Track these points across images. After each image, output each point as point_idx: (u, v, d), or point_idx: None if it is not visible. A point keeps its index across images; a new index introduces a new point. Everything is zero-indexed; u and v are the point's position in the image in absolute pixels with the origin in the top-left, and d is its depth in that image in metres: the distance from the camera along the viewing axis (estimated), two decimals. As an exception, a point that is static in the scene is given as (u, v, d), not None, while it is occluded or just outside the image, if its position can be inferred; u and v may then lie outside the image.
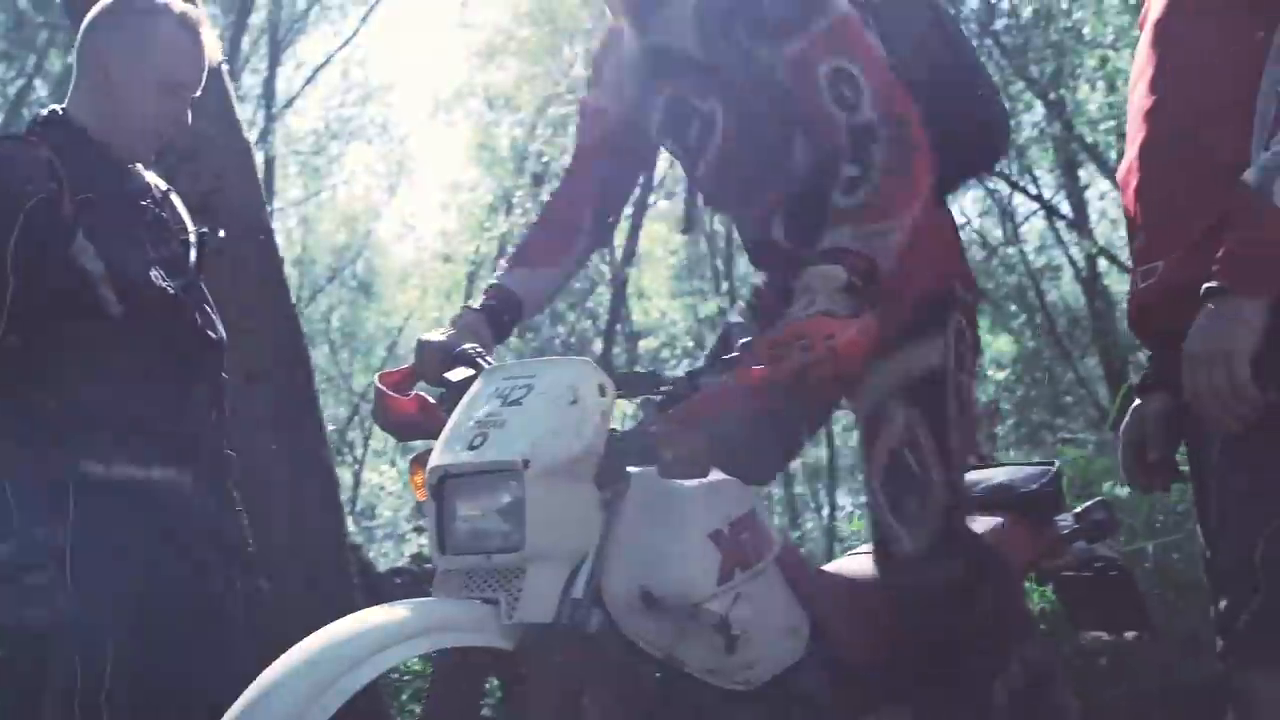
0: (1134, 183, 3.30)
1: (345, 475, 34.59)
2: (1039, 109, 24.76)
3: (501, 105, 30.25)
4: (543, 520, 3.19)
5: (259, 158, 29.80)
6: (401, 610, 3.20)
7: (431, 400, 3.88)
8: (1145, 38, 3.37)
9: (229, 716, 2.95)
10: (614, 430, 3.44)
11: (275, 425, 7.27)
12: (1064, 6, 22.53)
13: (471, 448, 3.28)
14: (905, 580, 3.78)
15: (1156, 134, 3.24)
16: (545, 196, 30.07)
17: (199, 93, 4.50)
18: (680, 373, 3.55)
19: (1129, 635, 4.78)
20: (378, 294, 44.87)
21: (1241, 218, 2.88)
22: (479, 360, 3.80)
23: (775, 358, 3.18)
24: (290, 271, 36.70)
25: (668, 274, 35.09)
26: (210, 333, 4.45)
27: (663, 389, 3.52)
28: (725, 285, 32.00)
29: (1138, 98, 3.34)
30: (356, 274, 43.72)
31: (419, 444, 3.76)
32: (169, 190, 4.61)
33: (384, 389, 3.90)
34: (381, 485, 36.10)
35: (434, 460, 3.35)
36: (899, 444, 3.76)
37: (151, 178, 4.55)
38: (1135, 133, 3.32)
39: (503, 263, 4.41)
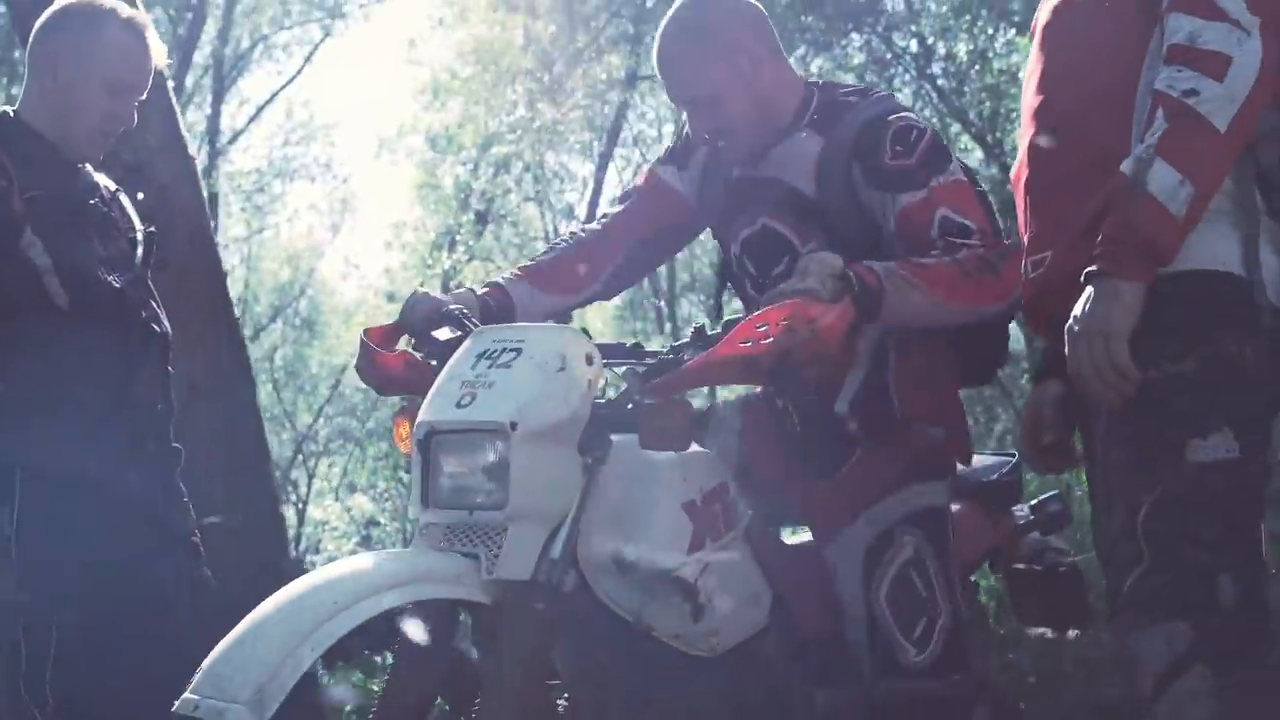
0: (1024, 176, 3.50)
1: (290, 514, 34.44)
2: (977, 152, 25.05)
3: (444, 145, 30.28)
4: (526, 481, 3.35)
5: (203, 184, 30.17)
6: (384, 559, 3.36)
7: (418, 357, 4.02)
8: (1035, 40, 3.58)
9: (213, 657, 3.06)
10: (599, 399, 3.60)
11: (218, 440, 7.37)
12: (999, 49, 22.81)
13: (460, 406, 3.44)
14: (908, 690, 3.99)
15: (1043, 130, 3.43)
16: (489, 235, 30.63)
17: (145, 95, 4.65)
18: (664, 345, 3.73)
19: (1071, 633, 4.92)
20: (321, 332, 44.69)
21: (1118, 205, 3.07)
22: (467, 322, 3.95)
23: (759, 335, 3.36)
24: (234, 309, 36.69)
25: (611, 312, 35.20)
26: (155, 326, 4.57)
27: (647, 361, 3.72)
28: (668, 326, 32.16)
29: (1028, 98, 3.54)
30: (300, 312, 43.59)
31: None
32: (118, 190, 4.75)
33: (369, 343, 4.06)
34: (325, 521, 35.92)
35: (422, 415, 3.51)
36: (907, 565, 4.00)
37: (101, 178, 4.69)
38: (1025, 130, 3.51)
39: (514, 270, 4.52)
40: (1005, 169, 23.68)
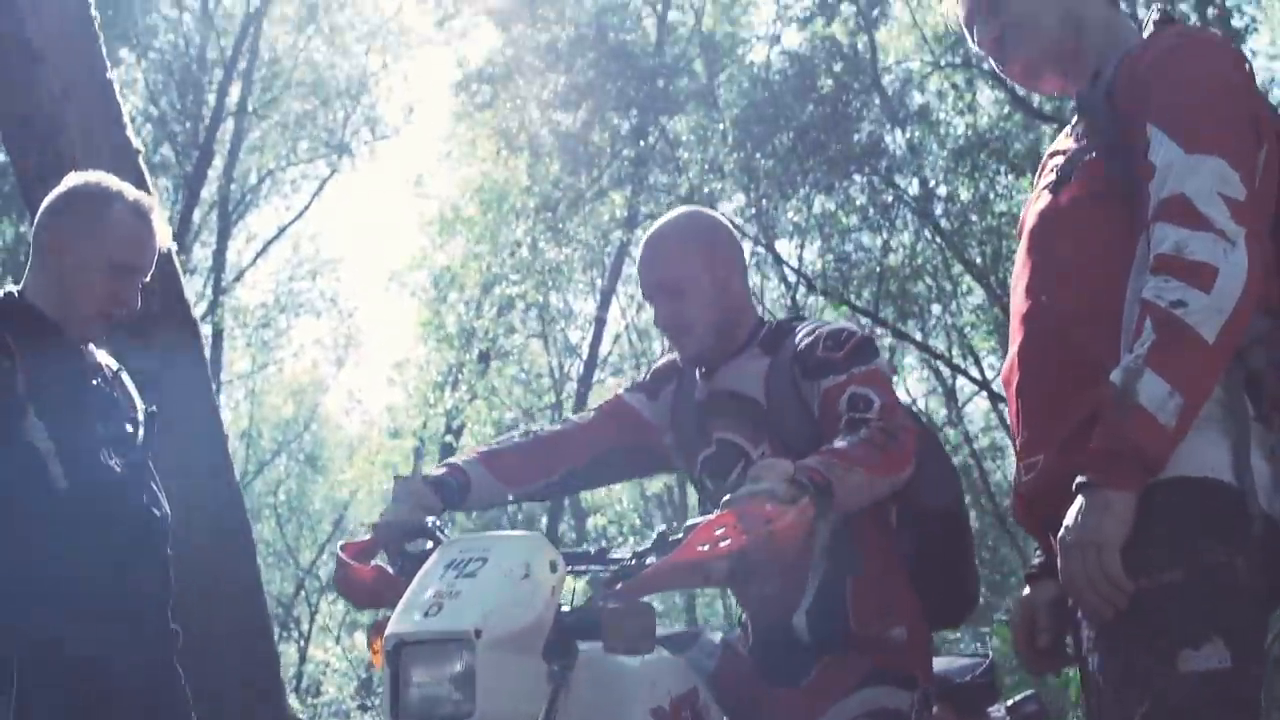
0: (1015, 381, 3.54)
1: (290, 651, 34.25)
2: (979, 292, 25.20)
3: (448, 283, 30.47)
4: (492, 689, 3.33)
5: (206, 330, 30.36)
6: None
7: (390, 571, 4.09)
8: (1022, 245, 3.64)
9: None
10: (563, 606, 3.62)
11: (217, 600, 7.36)
12: (1001, 191, 23.02)
13: (426, 616, 3.43)
14: None
15: (1032, 336, 3.49)
16: (492, 375, 30.71)
17: (148, 277, 4.69)
18: (627, 551, 3.76)
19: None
20: (324, 467, 44.68)
21: (1108, 415, 3.10)
22: (438, 534, 4.06)
23: (716, 539, 3.38)
24: (237, 445, 36.65)
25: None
26: (155, 510, 4.59)
27: (612, 566, 3.75)
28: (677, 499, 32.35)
29: (1016, 301, 3.59)
30: (303, 447, 43.60)
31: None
32: (119, 370, 4.77)
33: (345, 559, 4.13)
34: (327, 663, 35.68)
35: (390, 627, 3.50)
36: None
37: (103, 357, 4.72)
38: (1015, 334, 3.57)
39: (473, 451, 4.63)
40: (1007, 310, 23.81)
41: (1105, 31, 3.59)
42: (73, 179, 4.71)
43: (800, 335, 4.20)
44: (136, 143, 7.68)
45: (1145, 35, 3.54)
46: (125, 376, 4.78)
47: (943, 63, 22.16)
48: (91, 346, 4.67)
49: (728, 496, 3.55)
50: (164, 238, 4.74)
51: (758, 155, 22.64)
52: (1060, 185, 3.52)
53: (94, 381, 4.57)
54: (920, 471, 3.98)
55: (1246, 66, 3.42)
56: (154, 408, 4.78)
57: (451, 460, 4.56)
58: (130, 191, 4.65)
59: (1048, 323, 3.45)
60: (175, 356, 7.25)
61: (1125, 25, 3.66)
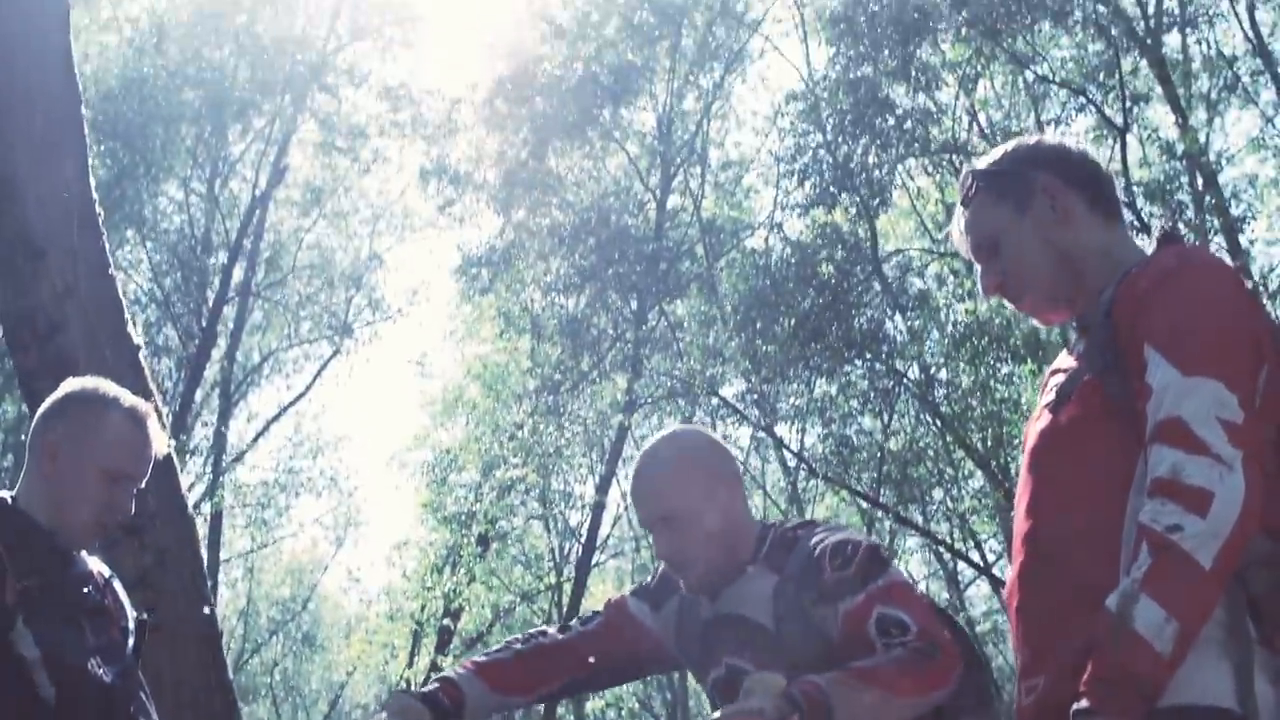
0: (1015, 601, 3.52)
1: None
2: (979, 477, 25.20)
3: (448, 465, 30.51)
4: None
5: (206, 507, 30.33)
6: None
7: None
8: (1024, 464, 3.63)
9: None
10: None
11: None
12: (1001, 378, 23.11)
13: None
14: None
15: (1033, 556, 3.47)
16: (491, 558, 30.60)
17: (144, 483, 4.68)
18: None
19: None
20: (322, 647, 44.41)
21: (1105, 642, 3.06)
22: None
23: None
24: (235, 623, 36.42)
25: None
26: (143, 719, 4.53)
27: None
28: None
29: (1017, 521, 3.58)
30: (301, 626, 43.37)
31: None
32: (111, 577, 4.73)
33: None
34: None
35: None
36: None
37: (95, 564, 4.67)
38: (1016, 553, 3.55)
39: (469, 663, 4.57)
40: (1009, 495, 23.85)
41: (1104, 257, 3.61)
42: (70, 385, 4.71)
43: (804, 551, 4.12)
44: (137, 338, 7.71)
45: (1150, 251, 3.57)
46: (117, 584, 4.74)
47: (942, 249, 22.37)
48: (84, 553, 4.63)
49: (716, 714, 3.52)
50: (160, 444, 4.72)
51: (758, 341, 22.77)
52: (1060, 405, 3.52)
53: (85, 590, 4.52)
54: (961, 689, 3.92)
55: (1246, 286, 3.44)
56: (145, 614, 4.74)
57: (446, 674, 4.50)
58: (127, 398, 4.65)
59: (1048, 543, 3.44)
60: (170, 555, 7.21)
61: (1125, 245, 3.68)
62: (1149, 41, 22.17)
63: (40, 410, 4.68)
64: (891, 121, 20.60)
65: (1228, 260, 3.84)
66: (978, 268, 3.81)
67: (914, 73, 20.61)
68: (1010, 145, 3.82)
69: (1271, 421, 3.25)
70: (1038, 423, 3.62)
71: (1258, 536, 3.13)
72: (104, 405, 4.60)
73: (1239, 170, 27.96)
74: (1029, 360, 21.27)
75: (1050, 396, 3.59)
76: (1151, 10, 23.28)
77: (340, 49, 33.07)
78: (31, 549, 4.38)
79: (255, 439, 34.94)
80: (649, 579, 4.72)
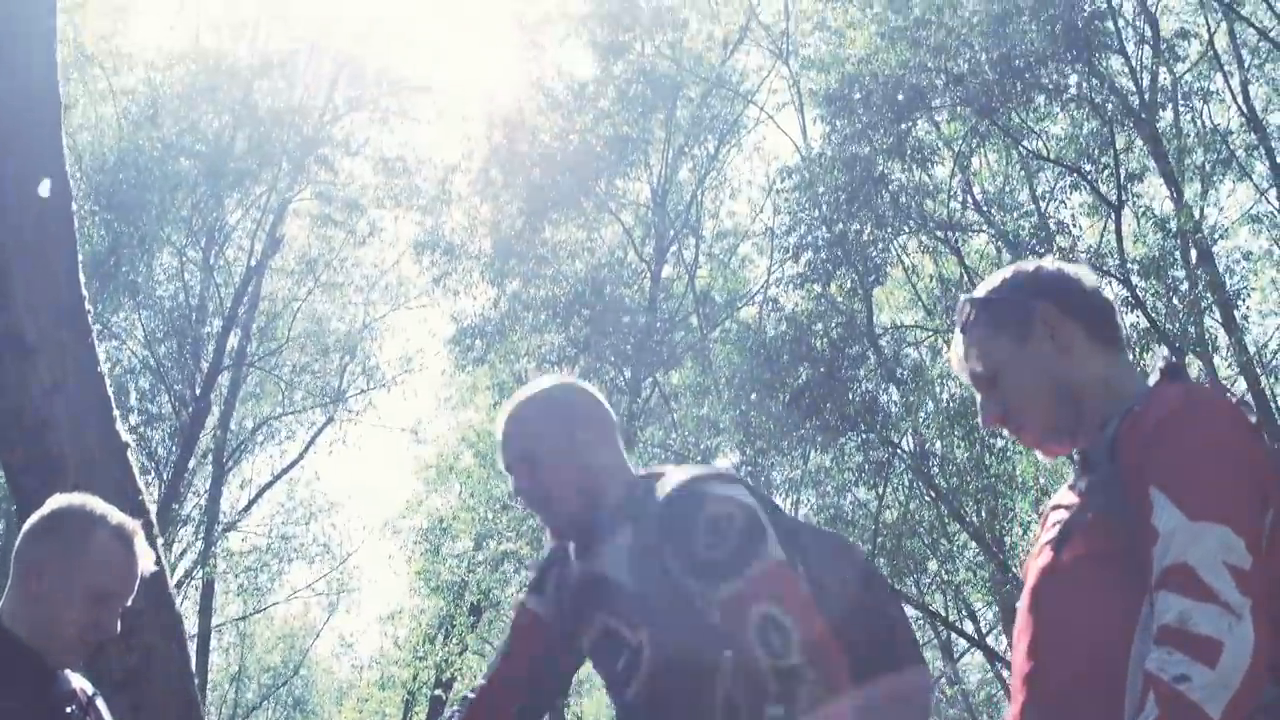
0: (1015, 746, 3.45)
1: None
2: (973, 548, 25.15)
3: (441, 533, 30.46)
4: None
5: (198, 576, 30.23)
6: None
7: None
8: (1024, 601, 3.57)
9: None
10: None
11: None
12: (996, 452, 23.09)
13: None
14: None
15: (1033, 698, 3.40)
16: (484, 628, 30.48)
17: (129, 601, 4.61)
18: None
19: None
20: (313, 713, 44.24)
21: (1113, 790, 3.01)
22: None
23: None
24: (226, 689, 36.21)
25: None
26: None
27: None
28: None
29: (1018, 660, 3.51)
30: (292, 691, 43.21)
31: None
32: (94, 695, 4.66)
33: None
34: None
35: None
36: None
37: (78, 680, 4.61)
38: (1016, 693, 3.48)
39: None
40: (1003, 568, 23.81)
41: (1105, 388, 3.56)
42: (57, 502, 4.65)
43: (665, 503, 3.99)
44: (126, 436, 7.65)
45: (1151, 382, 3.52)
46: (100, 702, 4.68)
47: (936, 325, 22.39)
48: (67, 671, 4.57)
49: None
50: (147, 562, 4.66)
51: (753, 414, 22.74)
52: (1063, 543, 3.45)
53: (68, 710, 4.46)
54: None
55: (1252, 424, 3.39)
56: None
57: None
58: (114, 516, 4.59)
59: (1048, 685, 3.37)
60: (157, 653, 7.13)
61: (1126, 375, 3.63)
62: (1143, 116, 22.25)
63: (26, 527, 4.63)
64: (887, 198, 20.63)
65: (1233, 396, 3.73)
66: (978, 396, 3.75)
67: (908, 150, 20.64)
68: (1009, 272, 3.77)
69: (1275, 565, 3.20)
70: (1038, 559, 3.56)
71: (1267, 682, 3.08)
72: (91, 524, 4.54)
73: (1233, 242, 28.21)
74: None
75: (1052, 533, 3.53)
76: (1146, 85, 23.41)
77: (337, 119, 33.25)
78: (14, 668, 4.33)
79: (248, 506, 34.90)
80: (534, 574, 4.63)
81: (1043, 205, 22.92)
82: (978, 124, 20.57)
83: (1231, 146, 24.70)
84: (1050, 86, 20.50)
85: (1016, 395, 3.62)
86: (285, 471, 35.04)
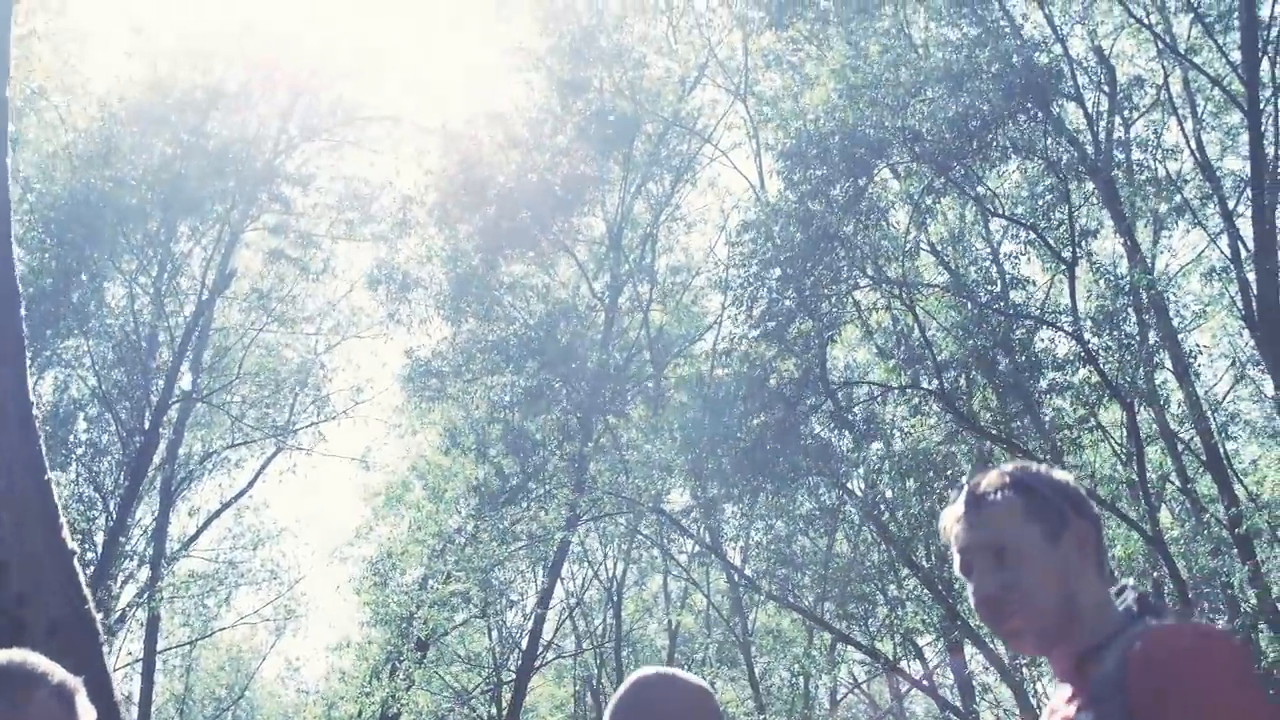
0: None
1: None
2: (923, 592, 25.22)
3: (389, 567, 30.26)
4: None
5: (145, 603, 29.98)
6: None
7: None
8: None
9: None
10: None
11: None
12: (950, 499, 23.11)
13: None
14: None
15: None
16: (429, 665, 30.28)
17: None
18: None
19: None
20: (258, 738, 44.10)
21: None
22: None
23: None
24: (171, 714, 35.92)
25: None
26: None
27: None
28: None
29: None
30: (238, 716, 43.06)
31: None
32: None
33: None
34: None
35: None
36: None
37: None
38: None
39: None
40: (953, 613, 23.89)
41: (1097, 612, 3.55)
42: (-1, 658, 4.57)
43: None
44: (72, 544, 7.55)
45: (1123, 608, 3.51)
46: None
47: (893, 382, 22.40)
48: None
49: None
50: (88, 717, 4.59)
51: (706, 460, 22.71)
52: None
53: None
54: None
55: (1254, 668, 3.39)
56: None
57: None
58: (56, 674, 4.50)
59: None
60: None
61: (1110, 604, 3.61)
62: (1098, 164, 22.36)
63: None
64: (842, 253, 20.62)
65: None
66: (958, 558, 3.65)
67: (864, 208, 20.64)
68: (1048, 473, 3.68)
69: None
70: None
71: None
72: (31, 683, 4.46)
73: (1187, 288, 28.39)
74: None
75: None
76: (1102, 134, 23.53)
77: (292, 148, 33.04)
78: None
79: (195, 535, 34.69)
80: None
81: (1000, 260, 23.05)
82: (934, 180, 20.60)
83: (1184, 195, 24.85)
84: (1006, 144, 20.55)
85: (1026, 586, 3.57)
86: (233, 501, 34.87)
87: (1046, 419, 21.96)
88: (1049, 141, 21.25)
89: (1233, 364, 28.22)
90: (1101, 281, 21.78)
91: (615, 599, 32.72)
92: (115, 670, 36.36)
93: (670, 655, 33.20)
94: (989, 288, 21.74)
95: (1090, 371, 20.76)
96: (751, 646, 30.42)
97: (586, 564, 34.56)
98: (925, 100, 20.01)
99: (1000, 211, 22.02)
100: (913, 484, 21.77)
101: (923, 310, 21.89)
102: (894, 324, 23.81)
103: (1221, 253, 25.17)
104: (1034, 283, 23.33)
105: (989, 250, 23.73)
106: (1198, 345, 23.50)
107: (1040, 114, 20.89)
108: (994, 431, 21.58)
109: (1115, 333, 20.92)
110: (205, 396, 31.69)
